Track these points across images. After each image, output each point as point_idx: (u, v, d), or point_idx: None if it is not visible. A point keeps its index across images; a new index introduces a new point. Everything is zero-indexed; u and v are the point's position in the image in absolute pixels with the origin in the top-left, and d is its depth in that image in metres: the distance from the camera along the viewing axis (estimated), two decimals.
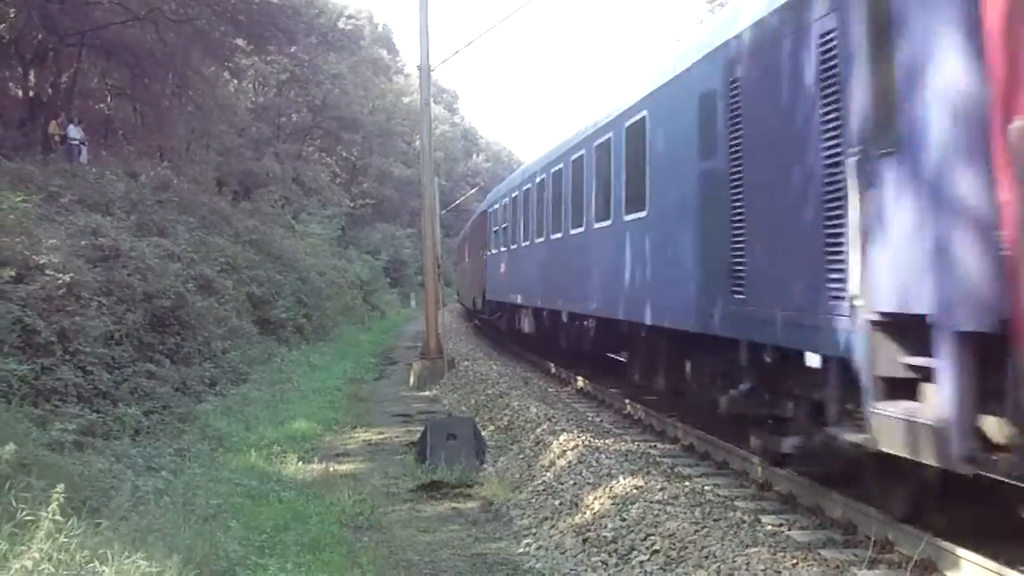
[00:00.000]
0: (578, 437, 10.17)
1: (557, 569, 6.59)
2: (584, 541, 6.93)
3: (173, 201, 22.10)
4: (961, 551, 5.51)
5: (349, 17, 54.97)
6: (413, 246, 57.00)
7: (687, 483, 8.15)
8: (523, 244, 19.60)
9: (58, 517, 5.15)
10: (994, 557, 5.38)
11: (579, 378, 16.37)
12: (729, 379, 8.59)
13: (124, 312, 13.30)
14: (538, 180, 17.91)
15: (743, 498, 7.94)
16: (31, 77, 26.03)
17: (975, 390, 4.79)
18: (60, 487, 5.38)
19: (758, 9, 7.69)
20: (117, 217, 17.34)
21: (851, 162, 5.95)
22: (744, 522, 6.82)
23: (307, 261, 30.47)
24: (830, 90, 6.33)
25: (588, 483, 8.24)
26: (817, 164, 6.48)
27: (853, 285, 5.88)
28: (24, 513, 5.25)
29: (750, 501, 7.84)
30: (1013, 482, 4.79)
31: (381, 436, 12.79)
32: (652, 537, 6.50)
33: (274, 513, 7.78)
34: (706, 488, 8.06)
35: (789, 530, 6.82)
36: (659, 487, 7.68)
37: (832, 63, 6.31)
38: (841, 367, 6.25)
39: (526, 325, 20.69)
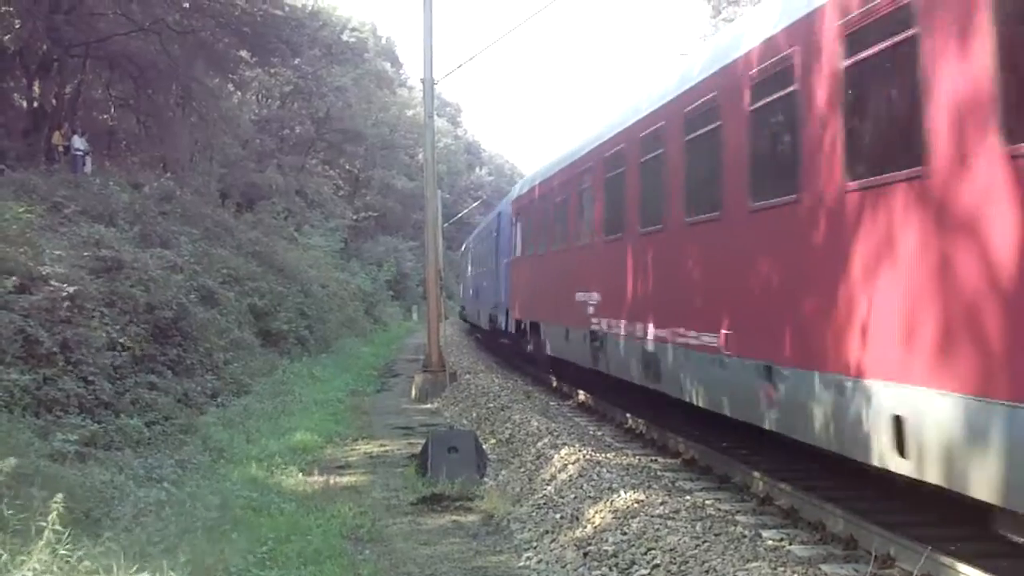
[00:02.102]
0: (579, 451, 10.17)
1: None
2: (585, 555, 6.92)
3: (176, 212, 22.17)
4: (962, 566, 5.51)
5: (353, 30, 55.05)
6: (416, 259, 57.06)
7: (688, 497, 8.15)
8: None
9: (58, 527, 5.16)
10: (994, 572, 5.38)
11: (580, 392, 16.35)
12: None
13: (126, 323, 13.32)
14: None
15: (744, 512, 7.94)
16: (35, 88, 26.09)
17: None
18: (59, 497, 5.39)
19: None
20: (120, 228, 17.39)
21: None
22: (745, 536, 6.82)
23: (309, 273, 30.48)
24: None
25: (589, 497, 8.24)
26: None
27: None
28: (24, 523, 5.26)
29: (751, 515, 7.84)
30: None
31: (382, 448, 12.78)
32: (653, 551, 6.50)
33: (275, 525, 7.78)
34: (707, 502, 8.06)
35: (790, 545, 6.81)
36: (660, 501, 7.68)
37: None
38: None
39: None
